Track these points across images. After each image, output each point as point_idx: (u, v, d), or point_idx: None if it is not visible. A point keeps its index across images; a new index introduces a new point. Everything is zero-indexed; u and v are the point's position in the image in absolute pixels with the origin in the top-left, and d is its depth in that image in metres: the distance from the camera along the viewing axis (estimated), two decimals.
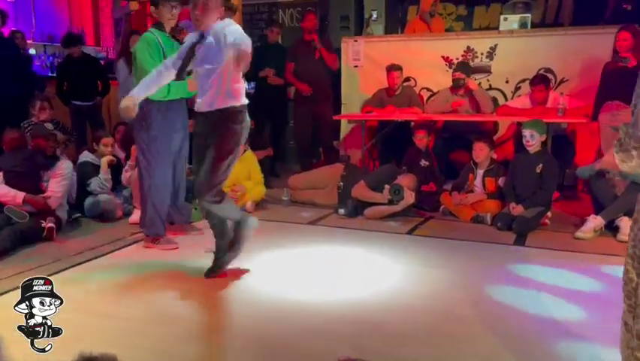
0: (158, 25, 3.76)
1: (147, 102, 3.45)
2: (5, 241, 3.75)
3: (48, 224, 4.05)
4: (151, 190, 3.80)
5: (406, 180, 4.78)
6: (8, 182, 4.15)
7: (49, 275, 3.31)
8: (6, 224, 3.94)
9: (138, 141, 3.81)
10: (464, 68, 5.70)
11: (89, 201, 4.70)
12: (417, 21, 6.97)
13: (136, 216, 4.65)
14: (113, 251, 3.86)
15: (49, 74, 7.42)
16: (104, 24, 9.14)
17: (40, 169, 4.26)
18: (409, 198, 4.70)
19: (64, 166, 4.35)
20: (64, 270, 3.47)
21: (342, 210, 4.80)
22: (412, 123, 5.70)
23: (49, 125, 4.83)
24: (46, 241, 4.03)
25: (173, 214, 4.13)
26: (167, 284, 3.24)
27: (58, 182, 4.25)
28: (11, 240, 3.81)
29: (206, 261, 3.38)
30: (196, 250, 3.76)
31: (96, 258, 3.69)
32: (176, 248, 3.87)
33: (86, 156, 4.87)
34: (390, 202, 4.64)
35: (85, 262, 3.63)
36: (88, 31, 8.90)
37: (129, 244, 4.02)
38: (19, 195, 4.08)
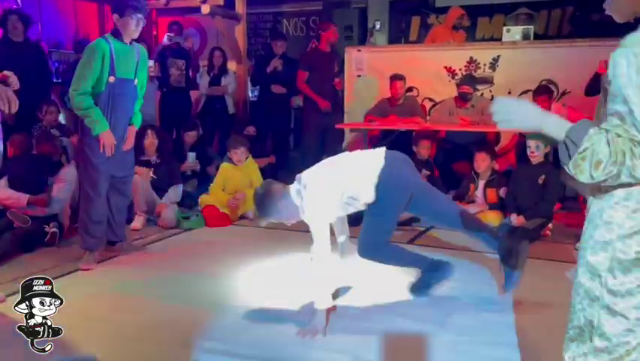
0: (116, 33, 3.54)
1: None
2: (7, 245, 3.77)
3: (51, 229, 4.06)
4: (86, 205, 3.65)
5: None
6: (12, 186, 4.17)
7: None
8: (8, 228, 3.95)
9: (80, 154, 3.70)
10: (471, 81, 5.70)
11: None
12: (441, 30, 6.90)
13: (137, 222, 4.67)
14: (113, 257, 3.87)
15: (55, 80, 7.46)
16: (108, 30, 9.18)
17: (44, 175, 4.29)
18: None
19: (68, 172, 4.37)
20: (65, 275, 3.48)
21: None
22: (414, 133, 5.72)
23: (55, 132, 4.87)
24: (49, 246, 4.04)
25: (108, 233, 3.86)
26: (168, 291, 3.25)
27: (62, 188, 4.27)
28: (13, 244, 3.83)
29: (205, 271, 3.38)
30: (195, 259, 3.76)
31: (98, 263, 3.69)
32: (89, 270, 3.58)
33: None
34: (357, 222, 4.60)
35: None
36: (94, 38, 8.94)
37: (130, 251, 4.02)
38: (23, 198, 4.09)
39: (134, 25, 3.49)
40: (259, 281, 3.43)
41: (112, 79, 3.49)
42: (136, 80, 3.65)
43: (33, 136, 4.94)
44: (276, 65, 6.38)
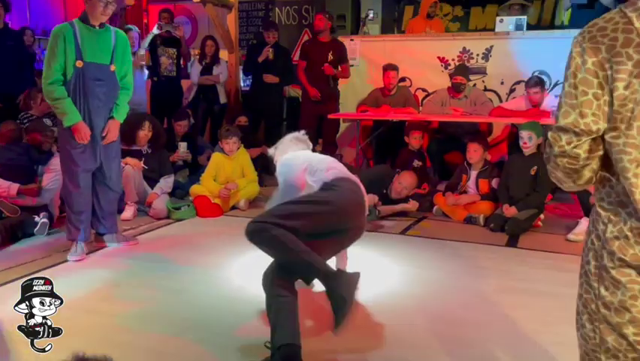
0: (83, 17, 3.44)
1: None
2: None
3: (41, 219, 4.03)
4: (67, 197, 3.63)
5: (407, 179, 4.76)
6: (2, 175, 4.13)
7: (40, 270, 3.32)
8: None
9: (60, 142, 3.62)
10: (464, 71, 5.69)
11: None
12: (416, 20, 6.97)
13: (128, 213, 4.64)
14: (104, 248, 3.84)
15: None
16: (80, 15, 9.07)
17: (34, 163, 4.24)
18: (411, 205, 4.77)
19: (59, 162, 4.32)
20: (54, 265, 3.45)
21: None
22: (406, 123, 5.71)
23: (47, 121, 4.81)
24: (38, 236, 4.01)
25: (95, 223, 3.81)
26: (160, 282, 3.23)
27: (52, 177, 4.22)
28: (2, 234, 3.79)
29: (197, 262, 3.37)
30: (186, 250, 3.74)
31: (88, 254, 3.67)
32: (78, 261, 3.55)
33: None
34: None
35: None
36: None
37: (121, 242, 3.99)
38: (14, 187, 4.05)
39: (102, 7, 3.39)
40: (251, 272, 3.41)
41: (79, 63, 3.39)
42: (112, 67, 3.53)
43: (23, 125, 4.89)
44: (267, 54, 6.34)
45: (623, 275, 1.25)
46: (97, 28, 3.47)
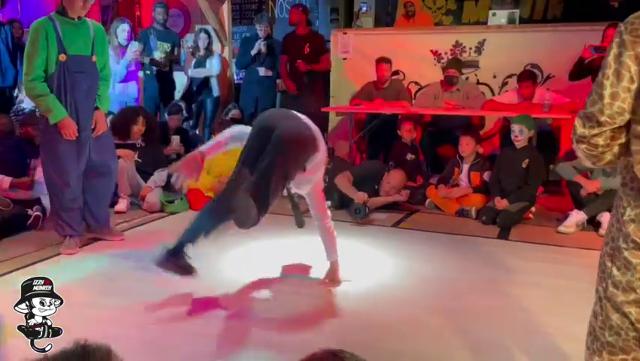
0: (62, 11, 3.39)
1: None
2: None
3: (35, 213, 4.02)
4: (55, 193, 3.57)
5: (395, 178, 4.79)
6: None
7: (32, 264, 3.32)
8: None
9: (45, 139, 3.56)
10: (457, 64, 5.71)
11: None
12: (400, 20, 7.08)
13: (121, 205, 4.64)
14: (97, 241, 3.84)
15: None
16: (91, 11, 9.01)
17: (27, 157, 4.22)
18: (401, 196, 4.79)
19: None
20: (47, 259, 3.46)
21: (327, 203, 4.80)
22: (399, 117, 5.72)
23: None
24: (31, 229, 4.00)
25: (87, 218, 3.78)
26: (154, 275, 3.24)
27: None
28: None
29: (190, 255, 3.38)
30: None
31: (81, 247, 3.67)
32: (71, 254, 3.54)
33: None
34: (343, 208, 4.62)
35: None
36: None
37: (113, 235, 3.99)
38: (6, 180, 4.04)
39: (82, 2, 3.36)
40: (244, 264, 3.43)
41: (63, 57, 3.35)
42: (94, 57, 3.50)
43: (18, 118, 4.87)
44: (259, 48, 6.35)
45: (635, 257, 1.30)
46: (75, 20, 3.43)
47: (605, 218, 4.08)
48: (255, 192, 2.45)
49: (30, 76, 3.33)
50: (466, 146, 4.79)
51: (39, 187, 4.18)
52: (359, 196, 4.47)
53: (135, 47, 5.76)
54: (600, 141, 1.27)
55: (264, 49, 6.35)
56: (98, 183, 3.71)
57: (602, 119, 1.24)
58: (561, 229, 4.16)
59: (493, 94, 5.95)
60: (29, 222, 3.99)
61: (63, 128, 3.38)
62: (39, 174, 4.18)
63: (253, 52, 6.37)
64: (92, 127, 3.54)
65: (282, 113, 2.89)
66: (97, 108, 3.57)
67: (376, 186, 4.80)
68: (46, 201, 4.27)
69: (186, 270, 2.78)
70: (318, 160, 2.77)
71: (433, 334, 2.54)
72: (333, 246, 3.05)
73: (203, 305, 2.83)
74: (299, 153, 2.64)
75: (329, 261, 3.09)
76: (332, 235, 3.04)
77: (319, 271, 3.22)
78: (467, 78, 5.97)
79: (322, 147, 2.78)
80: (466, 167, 4.83)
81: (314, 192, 2.96)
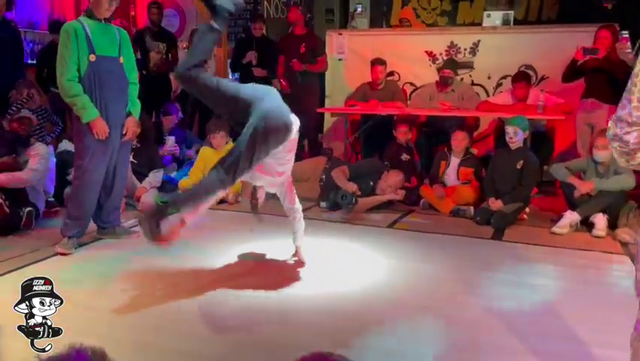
0: (89, 13, 3.53)
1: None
2: None
3: (27, 208, 4.00)
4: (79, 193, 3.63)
5: (391, 178, 4.82)
6: None
7: (26, 265, 3.31)
8: None
9: (75, 133, 3.65)
10: (453, 65, 5.73)
11: (68, 190, 4.64)
12: (395, 27, 7.12)
13: None
14: (92, 242, 3.83)
15: (29, 61, 7.30)
16: (84, 9, 9.00)
17: (17, 155, 4.19)
18: (397, 195, 4.82)
19: (41, 147, 4.29)
20: (42, 260, 3.44)
21: (324, 204, 4.83)
22: (395, 117, 5.74)
23: (25, 112, 4.78)
24: (24, 230, 3.99)
25: (100, 217, 3.86)
26: (152, 276, 3.24)
27: (36, 160, 4.14)
28: None
29: (186, 256, 3.38)
30: (179, 244, 3.73)
31: (75, 249, 3.66)
32: (67, 254, 3.54)
33: (65, 145, 4.81)
34: (338, 206, 4.65)
35: None
36: (69, 18, 8.75)
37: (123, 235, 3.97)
38: None
39: (107, 3, 3.47)
40: (239, 265, 3.43)
41: (92, 57, 3.46)
42: (121, 58, 3.61)
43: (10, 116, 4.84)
44: (250, 58, 6.36)
45: None
46: (102, 22, 3.54)
47: (599, 219, 4.10)
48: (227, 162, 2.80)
49: (66, 76, 3.41)
50: (460, 141, 4.82)
51: (34, 174, 4.10)
52: (349, 186, 4.62)
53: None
54: (630, 139, 1.39)
55: (254, 61, 6.37)
56: (115, 183, 3.80)
57: (631, 120, 1.37)
58: (555, 229, 4.17)
59: (488, 95, 5.97)
60: (23, 222, 3.97)
61: (94, 127, 3.48)
62: (33, 163, 4.13)
63: (244, 61, 6.39)
64: (124, 132, 3.67)
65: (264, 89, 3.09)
66: (129, 114, 3.69)
67: (372, 183, 4.83)
68: (38, 202, 4.26)
69: (155, 236, 2.82)
70: (288, 147, 3.00)
71: (428, 334, 2.55)
72: (300, 233, 3.41)
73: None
74: (277, 136, 2.88)
75: (295, 245, 3.45)
76: (300, 224, 3.39)
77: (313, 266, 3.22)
78: (462, 79, 5.99)
79: (295, 130, 2.98)
80: (455, 161, 4.85)
81: (284, 191, 3.27)
